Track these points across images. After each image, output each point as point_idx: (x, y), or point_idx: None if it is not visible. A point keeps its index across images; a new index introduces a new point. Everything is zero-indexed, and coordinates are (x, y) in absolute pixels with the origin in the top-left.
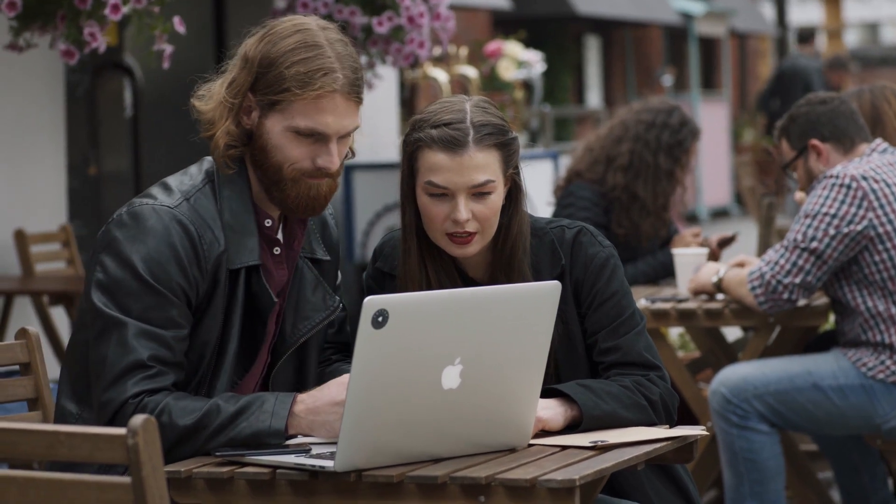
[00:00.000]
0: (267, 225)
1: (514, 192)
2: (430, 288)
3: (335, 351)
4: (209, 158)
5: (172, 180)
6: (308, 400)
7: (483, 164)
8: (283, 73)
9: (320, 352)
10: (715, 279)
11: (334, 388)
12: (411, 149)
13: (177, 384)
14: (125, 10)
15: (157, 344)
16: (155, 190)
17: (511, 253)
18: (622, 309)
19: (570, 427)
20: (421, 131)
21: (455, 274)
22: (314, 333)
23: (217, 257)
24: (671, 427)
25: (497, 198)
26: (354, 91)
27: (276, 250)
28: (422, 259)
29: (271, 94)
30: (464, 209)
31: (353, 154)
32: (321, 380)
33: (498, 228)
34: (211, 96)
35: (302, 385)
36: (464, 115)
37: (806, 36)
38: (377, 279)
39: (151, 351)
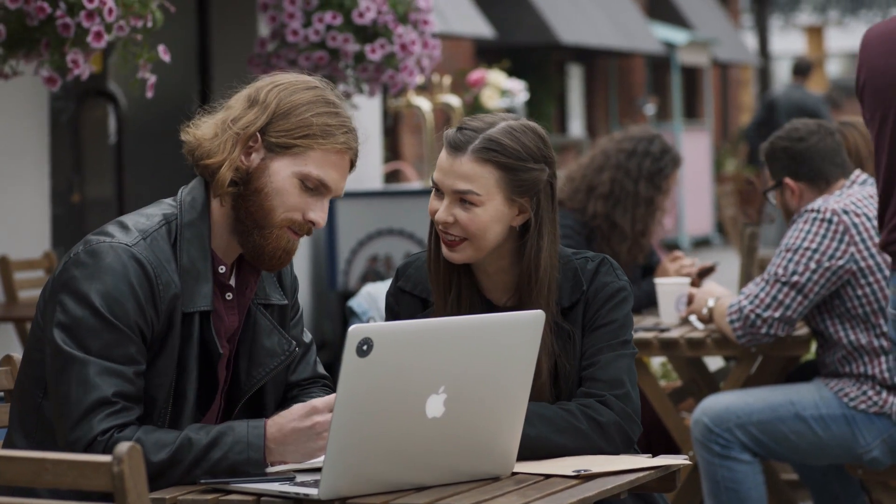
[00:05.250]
0: (220, 272)
1: (534, 221)
2: (457, 303)
3: (321, 385)
4: (167, 201)
5: (129, 219)
6: (274, 428)
7: (470, 175)
8: (308, 119)
9: (279, 396)
10: (705, 311)
11: (297, 413)
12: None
13: (140, 419)
14: (108, 37)
15: (120, 380)
16: (111, 228)
17: (529, 281)
18: (615, 335)
19: None
20: (450, 130)
21: (475, 293)
22: (270, 378)
23: (172, 299)
24: (629, 452)
25: (483, 213)
26: (356, 160)
27: (228, 296)
28: (448, 271)
29: (290, 137)
30: (444, 210)
31: None
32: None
33: (521, 254)
34: (207, 128)
35: None
36: (485, 128)
37: (804, 68)
38: (397, 297)
39: (115, 388)
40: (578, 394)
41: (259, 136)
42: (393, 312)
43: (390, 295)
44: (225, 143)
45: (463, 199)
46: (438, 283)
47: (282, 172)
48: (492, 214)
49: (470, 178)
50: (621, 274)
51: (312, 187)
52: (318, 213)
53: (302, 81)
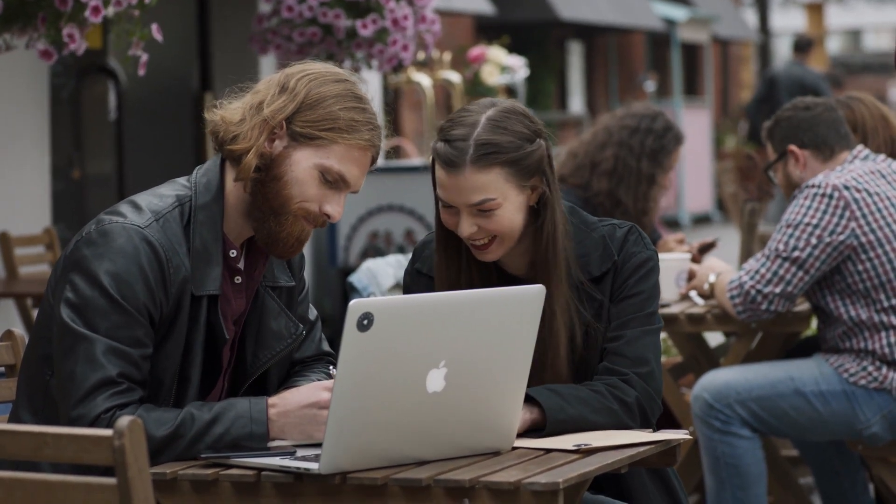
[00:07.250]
0: (231, 255)
1: (545, 198)
2: (469, 283)
3: (325, 363)
4: (181, 181)
5: (142, 199)
6: (279, 403)
7: (480, 185)
8: (335, 112)
9: (283, 376)
10: (706, 286)
11: (304, 392)
12: (430, 157)
13: (143, 400)
14: (106, 12)
15: (125, 362)
16: (124, 208)
17: (545, 253)
18: (642, 308)
19: (534, 430)
20: (436, 142)
21: (492, 270)
22: (276, 361)
23: (182, 282)
24: (649, 430)
25: (505, 212)
26: (378, 157)
27: (237, 279)
28: (458, 254)
29: (315, 129)
30: (465, 225)
31: None
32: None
33: (534, 231)
34: (235, 112)
35: None
36: (470, 132)
37: (804, 45)
38: (414, 278)
39: (120, 368)
40: (601, 369)
41: (284, 123)
42: (410, 293)
43: (407, 274)
44: (252, 130)
45: (480, 209)
46: (459, 269)
47: (303, 163)
48: (512, 209)
49: (480, 189)
50: (649, 243)
51: (332, 181)
52: (335, 207)
53: (332, 73)
